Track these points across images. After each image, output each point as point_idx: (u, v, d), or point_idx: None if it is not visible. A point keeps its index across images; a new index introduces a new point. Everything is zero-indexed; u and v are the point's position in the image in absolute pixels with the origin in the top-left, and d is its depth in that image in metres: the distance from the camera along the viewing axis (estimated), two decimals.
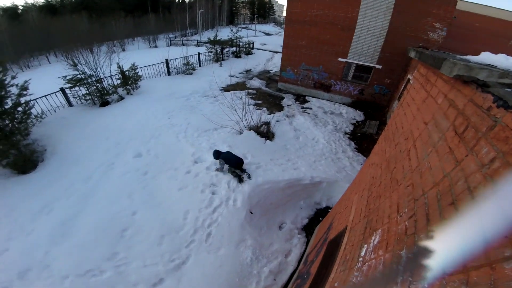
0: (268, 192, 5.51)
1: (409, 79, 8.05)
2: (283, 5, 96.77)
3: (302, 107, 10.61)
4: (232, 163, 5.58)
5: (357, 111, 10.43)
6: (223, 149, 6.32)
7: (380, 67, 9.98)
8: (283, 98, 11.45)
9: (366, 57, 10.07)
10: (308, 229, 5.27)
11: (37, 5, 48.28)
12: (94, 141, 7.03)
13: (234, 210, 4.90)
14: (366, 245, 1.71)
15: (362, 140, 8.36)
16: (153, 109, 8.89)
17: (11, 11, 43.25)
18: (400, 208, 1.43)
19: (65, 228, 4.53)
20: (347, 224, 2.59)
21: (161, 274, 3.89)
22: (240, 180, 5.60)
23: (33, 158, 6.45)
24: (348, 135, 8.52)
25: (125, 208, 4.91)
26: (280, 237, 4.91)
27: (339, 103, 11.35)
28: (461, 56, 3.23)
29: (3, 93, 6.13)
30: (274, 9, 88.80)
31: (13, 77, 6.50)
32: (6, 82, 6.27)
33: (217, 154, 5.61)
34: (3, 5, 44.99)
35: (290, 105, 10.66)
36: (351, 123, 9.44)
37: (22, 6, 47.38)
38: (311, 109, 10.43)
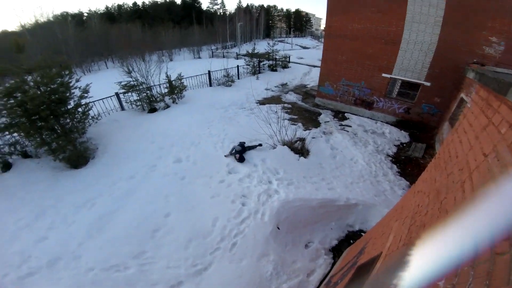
0: (298, 210, 5.37)
1: (462, 99, 7.31)
2: (321, 19, 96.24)
3: (341, 124, 10.25)
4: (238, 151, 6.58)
5: (402, 131, 9.71)
6: (257, 163, 6.47)
7: (428, 84, 9.26)
8: (320, 114, 11.23)
9: (413, 73, 9.44)
10: (336, 251, 5.01)
11: (99, 12, 54.73)
12: (140, 144, 7.64)
13: (261, 223, 4.87)
14: None
15: (406, 163, 7.73)
16: (195, 118, 9.39)
17: (78, 17, 48.27)
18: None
19: (102, 223, 4.85)
20: (382, 251, 2.44)
21: (181, 277, 3.96)
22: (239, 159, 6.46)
23: (86, 154, 7.12)
24: (390, 158, 7.96)
25: (160, 209, 5.17)
26: (305, 256, 4.74)
27: (382, 121, 10.71)
28: None
29: (68, 94, 6.86)
30: (311, 22, 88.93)
31: (77, 80, 7.23)
32: (71, 84, 6.99)
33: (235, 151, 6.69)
34: (71, 12, 51.05)
35: (328, 121, 10.38)
36: (395, 145, 8.81)
37: (86, 13, 53.63)
38: (351, 126, 10.02)
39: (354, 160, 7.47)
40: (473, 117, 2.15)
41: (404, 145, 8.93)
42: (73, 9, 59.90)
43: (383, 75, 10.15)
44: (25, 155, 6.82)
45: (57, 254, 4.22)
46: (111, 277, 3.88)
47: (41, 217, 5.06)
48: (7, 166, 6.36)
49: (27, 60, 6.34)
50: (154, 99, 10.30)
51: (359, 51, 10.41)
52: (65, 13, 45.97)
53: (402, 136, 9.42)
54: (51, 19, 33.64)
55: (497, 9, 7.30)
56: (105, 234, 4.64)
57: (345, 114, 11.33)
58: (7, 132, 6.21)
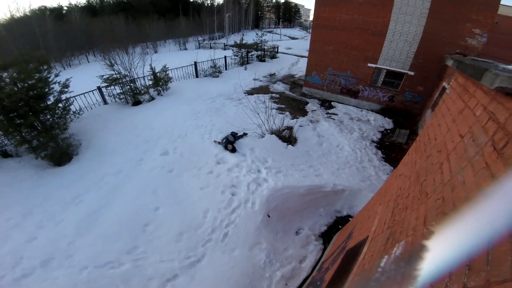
0: (287, 197, 5.47)
1: (444, 87, 7.56)
2: (310, 10, 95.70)
3: (327, 113, 10.39)
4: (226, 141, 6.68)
5: (386, 118, 9.98)
6: (245, 152, 6.52)
7: (412, 73, 9.51)
8: (307, 103, 11.31)
9: (397, 63, 9.66)
10: (326, 237, 5.15)
11: (79, 6, 52.19)
12: (125, 138, 7.49)
13: (251, 212, 4.92)
14: (387, 256, 1.67)
15: (390, 149, 7.98)
16: (181, 110, 9.25)
17: (57, 11, 46.21)
18: (427, 221, 1.40)
19: (91, 220, 4.78)
20: (368, 234, 2.53)
21: (176, 270, 3.98)
22: (232, 150, 6.57)
23: (69, 151, 6.95)
24: (375, 144, 8.19)
25: (149, 203, 5.13)
26: (296, 243, 4.86)
27: (367, 109, 10.96)
28: (504, 66, 2.98)
29: (46, 90, 6.66)
30: (300, 13, 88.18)
31: (56, 75, 7.03)
32: (50, 79, 6.80)
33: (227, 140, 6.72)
34: (50, 6, 48.89)
35: (315, 110, 10.49)
36: (379, 131, 9.06)
37: (66, 6, 51.14)
38: (337, 115, 10.18)
39: (340, 147, 7.62)
40: (451, 102, 2.25)
41: (388, 131, 9.19)
42: (51, 3, 56.46)
43: (369, 65, 10.32)
44: (5, 154, 6.58)
45: (49, 253, 4.16)
46: (106, 274, 3.87)
47: (29, 216, 4.94)
48: None
49: (3, 56, 6.12)
50: (138, 91, 10.05)
51: (346, 42, 10.53)
52: (43, 7, 43.89)
53: (386, 123, 9.67)
54: (28, 13, 32.31)
55: (482, 3, 7.54)
56: (95, 230, 4.58)
57: (332, 103, 11.49)
58: None
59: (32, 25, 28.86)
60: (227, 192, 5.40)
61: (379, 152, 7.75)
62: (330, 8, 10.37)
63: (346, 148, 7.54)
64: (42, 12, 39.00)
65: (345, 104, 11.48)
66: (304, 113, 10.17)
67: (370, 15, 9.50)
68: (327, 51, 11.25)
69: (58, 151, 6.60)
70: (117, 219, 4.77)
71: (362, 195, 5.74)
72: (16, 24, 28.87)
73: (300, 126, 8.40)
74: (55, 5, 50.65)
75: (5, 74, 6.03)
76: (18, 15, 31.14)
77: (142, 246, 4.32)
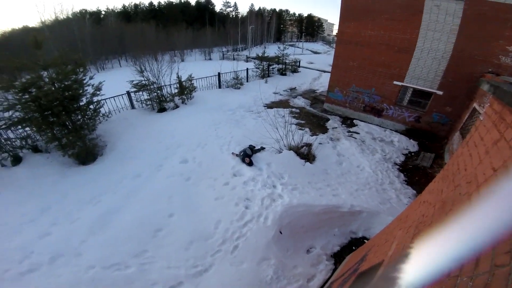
0: (301, 215, 5.32)
1: (475, 109, 7.12)
2: (333, 24, 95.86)
3: (349, 131, 10.13)
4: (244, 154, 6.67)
5: (411, 140, 9.53)
6: (262, 166, 6.49)
7: (441, 93, 9.06)
8: (328, 119, 11.12)
9: (425, 81, 9.27)
10: (337, 257, 4.94)
11: (116, 11, 55.79)
12: (148, 143, 7.74)
13: (263, 227, 4.84)
14: None
15: (413, 172, 7.59)
16: (203, 119, 9.45)
17: (96, 15, 49.56)
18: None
19: (105, 220, 4.87)
20: (384, 258, 2.41)
21: (181, 278, 3.94)
22: (249, 163, 6.50)
23: (94, 151, 7.23)
24: (398, 166, 7.83)
25: (164, 209, 5.18)
26: (306, 261, 4.68)
27: (391, 129, 10.54)
28: None
29: (81, 91, 6.99)
30: (323, 27, 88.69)
31: (91, 78, 7.35)
32: (84, 81, 7.11)
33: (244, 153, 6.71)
34: (90, 10, 52.30)
35: (336, 127, 10.26)
36: (403, 153, 8.65)
37: (104, 11, 54.80)
38: (359, 134, 9.89)
39: (360, 168, 7.36)
40: (484, 130, 2.10)
41: (413, 154, 8.75)
42: (91, 7, 61.08)
43: (395, 82, 10.01)
44: (36, 149, 6.93)
45: (59, 250, 4.26)
46: (111, 275, 3.89)
47: (46, 212, 5.13)
48: (17, 160, 6.47)
49: (44, 56, 6.46)
50: (164, 99, 10.42)
51: (371, 58, 10.32)
52: (83, 11, 47.26)
53: (411, 145, 9.23)
54: (70, 16, 34.41)
55: None
56: (108, 232, 4.66)
57: (354, 121, 11.20)
58: (19, 126, 6.37)
59: (72, 27, 30.81)
60: (241, 204, 5.35)
61: (402, 175, 7.41)
62: (355, 23, 10.28)
63: (367, 169, 7.27)
64: (83, 15, 41.73)
65: (368, 122, 11.13)
66: (325, 130, 9.99)
67: (397, 31, 9.29)
68: (351, 67, 11.09)
69: (84, 151, 6.88)
70: (131, 222, 4.85)
71: (380, 218, 5.48)
72: (59, 26, 30.85)
73: (320, 143, 8.24)
74: (94, 9, 54.53)
75: (44, 74, 6.39)
76: (62, 17, 33.21)
77: (151, 250, 4.34)
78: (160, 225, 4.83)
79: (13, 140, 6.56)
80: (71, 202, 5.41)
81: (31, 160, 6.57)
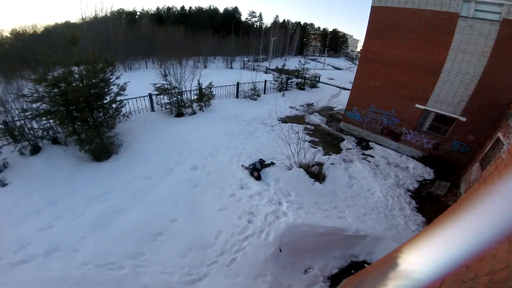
0: (303, 235, 5.21)
1: (498, 139, 6.70)
2: (358, 40, 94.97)
3: (363, 154, 9.86)
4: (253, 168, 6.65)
5: (427, 168, 9.11)
6: (270, 182, 6.47)
7: (464, 119, 8.58)
8: (343, 139, 10.89)
9: (449, 106, 8.82)
10: (334, 279, 4.77)
11: (150, 12, 57.88)
12: (162, 147, 7.96)
13: (264, 243, 4.78)
14: None
15: (426, 200, 7.29)
16: (217, 128, 9.60)
17: (131, 16, 51.66)
18: (444, 284, 1.40)
19: (109, 219, 4.94)
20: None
21: (173, 284, 3.91)
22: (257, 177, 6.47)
23: (110, 149, 7.44)
24: (410, 193, 7.55)
25: (167, 213, 5.26)
26: (302, 281, 4.56)
27: (407, 155, 10.13)
28: None
29: (106, 89, 7.21)
30: (348, 43, 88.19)
31: (117, 77, 7.56)
32: (111, 80, 7.33)
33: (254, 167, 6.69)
34: (127, 9, 54.54)
35: (350, 148, 10.04)
36: (417, 180, 8.31)
37: (139, 12, 56.96)
38: (373, 157, 9.60)
39: (371, 192, 7.15)
40: (505, 169, 1.98)
41: (427, 181, 8.39)
42: (128, 7, 64.43)
43: (417, 105, 9.63)
44: (55, 141, 7.24)
45: (56, 244, 4.30)
46: (103, 274, 3.90)
47: (53, 205, 5.30)
48: (36, 150, 6.76)
49: (79, 53, 6.75)
50: (183, 104, 10.70)
51: (394, 78, 10.06)
52: (121, 10, 49.43)
53: (427, 173, 8.85)
54: (108, 14, 35.79)
55: None
56: (109, 230, 4.73)
57: (369, 143, 10.89)
58: (44, 118, 6.65)
59: (109, 25, 32.03)
60: (244, 218, 5.33)
61: (413, 201, 7.15)
62: (381, 42, 10.08)
63: (378, 194, 7.05)
64: (120, 15, 43.35)
65: (384, 146, 10.77)
66: (338, 150, 9.79)
67: (424, 52, 8.97)
68: (372, 86, 10.85)
69: (101, 147, 7.09)
70: (133, 223, 4.93)
71: (384, 243, 5.29)
72: (97, 23, 32.19)
73: (332, 163, 8.08)
74: (131, 9, 57.42)
75: (75, 69, 6.66)
76: (101, 15, 34.23)
77: (148, 254, 4.37)
78: (162, 229, 4.89)
79: (36, 130, 6.88)
80: (78, 197, 5.59)
81: (49, 151, 6.87)
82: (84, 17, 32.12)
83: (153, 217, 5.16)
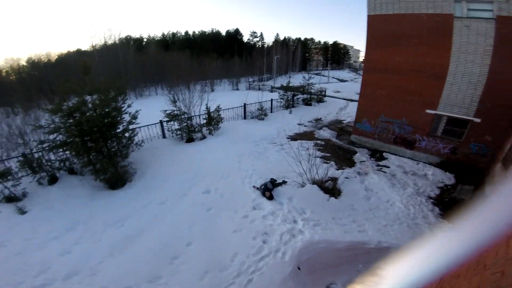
0: (322, 251, 5.07)
1: None
2: (359, 50, 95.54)
3: (378, 165, 9.58)
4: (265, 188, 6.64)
5: (447, 173, 8.71)
6: (283, 201, 6.40)
7: (479, 120, 8.29)
8: (355, 152, 10.65)
9: (460, 108, 8.59)
10: None
11: (156, 39, 59.75)
12: (175, 172, 8.11)
13: (280, 263, 4.68)
14: None
15: (450, 205, 6.93)
16: (227, 151, 9.70)
17: (138, 42, 53.38)
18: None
19: (126, 243, 5.07)
20: None
21: None
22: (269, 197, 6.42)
23: (124, 177, 7.60)
24: (432, 200, 7.21)
25: (183, 237, 5.30)
26: None
27: (424, 162, 9.74)
28: None
29: (118, 118, 7.40)
30: (350, 54, 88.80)
31: (129, 106, 7.74)
32: (123, 109, 7.51)
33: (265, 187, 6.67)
34: (134, 36, 56.04)
35: (364, 161, 9.79)
36: (438, 187, 7.94)
37: (146, 38, 58.80)
38: (389, 167, 9.31)
39: (390, 202, 6.88)
40: None
41: (449, 187, 8.01)
42: (135, 34, 67.55)
43: (427, 111, 9.43)
44: (71, 171, 7.51)
45: (75, 269, 4.44)
46: None
47: (71, 231, 5.50)
48: (53, 180, 7.04)
49: (91, 81, 7.06)
50: (193, 129, 10.92)
51: (400, 86, 9.96)
52: (128, 37, 51.00)
53: (447, 178, 8.46)
54: (117, 41, 36.31)
55: None
56: (126, 254, 4.82)
57: (383, 154, 10.58)
58: (60, 149, 6.94)
59: (117, 52, 32.84)
60: (258, 238, 5.26)
61: (436, 208, 6.80)
62: (382, 50, 10.10)
63: (398, 204, 6.78)
64: (128, 41, 44.25)
65: (399, 155, 10.42)
66: (352, 163, 9.56)
67: (427, 56, 8.90)
68: (379, 96, 10.76)
69: (115, 176, 7.28)
70: (150, 247, 4.99)
71: None
72: (107, 50, 33.30)
73: (346, 178, 7.90)
74: (137, 35, 59.63)
75: (89, 99, 6.91)
76: (110, 42, 34.92)
77: (165, 277, 4.38)
78: (178, 252, 4.92)
79: (53, 161, 7.19)
80: (96, 223, 5.76)
81: (66, 181, 7.18)
82: (94, 44, 33.37)
83: (168, 241, 5.20)
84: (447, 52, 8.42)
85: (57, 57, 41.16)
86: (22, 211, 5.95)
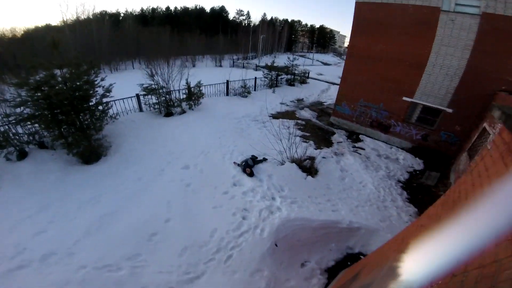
0: (298, 229, 5.27)
1: (484, 129, 6.92)
2: (345, 36, 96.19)
3: (354, 146, 10.01)
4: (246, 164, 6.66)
5: (417, 159, 9.34)
6: (263, 178, 6.46)
7: (451, 111, 8.88)
8: (333, 133, 11.03)
9: (435, 98, 9.10)
10: (331, 272, 4.84)
11: (134, 14, 56.66)
12: (153, 147, 7.82)
13: (259, 239, 4.80)
14: None
15: (417, 191, 7.46)
16: (208, 126, 9.51)
17: (115, 17, 50.64)
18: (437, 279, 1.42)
19: (102, 222, 4.90)
20: (375, 279, 2.40)
21: (172, 283, 3.91)
22: (249, 174, 6.46)
23: (99, 151, 7.27)
24: (401, 184, 7.70)
25: (161, 214, 5.21)
26: (300, 275, 4.62)
27: (397, 147, 10.35)
28: None
29: (91, 92, 7.07)
30: (335, 39, 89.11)
31: (102, 79, 7.42)
32: (96, 82, 7.19)
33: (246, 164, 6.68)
34: (110, 11, 53.40)
35: (341, 142, 10.16)
36: (407, 171, 8.50)
37: (123, 13, 55.70)
38: (364, 149, 9.75)
39: (363, 184, 7.26)
40: (490, 161, 2.01)
41: (418, 172, 8.58)
42: (111, 9, 62.72)
43: (404, 98, 9.88)
44: (42, 145, 7.04)
45: (52, 249, 4.27)
46: (102, 277, 3.88)
47: (45, 210, 5.18)
48: (22, 155, 6.56)
49: (61, 56, 6.60)
50: (172, 103, 10.54)
51: (381, 73, 10.26)
52: (103, 12, 48.23)
53: (416, 164, 9.06)
54: (91, 17, 35.27)
55: None
56: (104, 233, 4.68)
57: (360, 136, 11.07)
58: (28, 122, 6.49)
59: (92, 28, 31.72)
60: (238, 215, 5.33)
61: (405, 192, 7.29)
62: (366, 37, 10.25)
63: (369, 186, 7.17)
64: (103, 17, 42.54)
65: (374, 138, 10.97)
66: (329, 144, 9.89)
67: (409, 46, 9.18)
68: (360, 81, 11.03)
69: (89, 150, 6.94)
70: (127, 224, 4.88)
71: (379, 235, 5.41)
72: (79, 26, 31.80)
73: (323, 157, 8.16)
74: (114, 11, 55.91)
75: (58, 73, 6.52)
76: (83, 17, 33.97)
77: (145, 254, 4.34)
78: (156, 229, 4.84)
79: (21, 135, 6.69)
80: (70, 201, 5.47)
81: (36, 156, 6.67)
82: (65, 20, 31.60)
83: (147, 218, 5.08)
84: (429, 43, 8.68)
85: (23, 32, 37.02)
86: None
